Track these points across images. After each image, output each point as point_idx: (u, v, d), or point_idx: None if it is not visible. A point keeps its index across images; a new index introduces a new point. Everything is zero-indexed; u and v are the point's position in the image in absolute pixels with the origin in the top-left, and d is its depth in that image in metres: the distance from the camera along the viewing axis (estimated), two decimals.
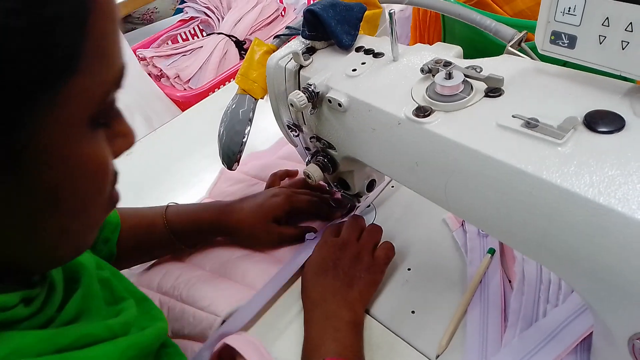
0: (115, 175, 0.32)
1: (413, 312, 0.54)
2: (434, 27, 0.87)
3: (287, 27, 0.56)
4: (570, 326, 0.46)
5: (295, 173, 0.71)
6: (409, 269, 0.58)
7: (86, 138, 0.27)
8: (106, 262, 0.47)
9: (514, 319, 0.49)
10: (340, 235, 0.58)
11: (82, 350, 0.31)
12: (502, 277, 0.54)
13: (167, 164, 0.83)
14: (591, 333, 0.44)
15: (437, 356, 0.49)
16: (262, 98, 0.55)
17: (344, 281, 0.53)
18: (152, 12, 2.06)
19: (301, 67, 0.49)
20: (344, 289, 0.52)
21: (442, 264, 0.58)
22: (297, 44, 0.52)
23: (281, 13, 1.43)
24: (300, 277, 0.57)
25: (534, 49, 0.40)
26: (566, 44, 0.35)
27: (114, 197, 0.34)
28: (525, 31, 0.45)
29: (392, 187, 0.69)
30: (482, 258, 0.56)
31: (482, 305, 0.52)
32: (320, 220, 0.65)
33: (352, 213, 0.65)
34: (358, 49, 0.48)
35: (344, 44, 0.48)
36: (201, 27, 1.42)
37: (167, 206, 0.61)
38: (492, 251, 0.56)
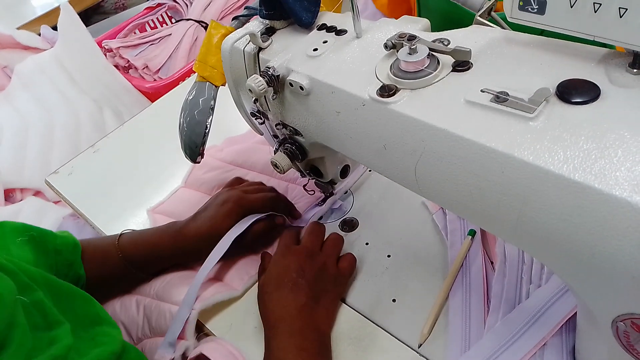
0: None
1: (394, 300, 0.52)
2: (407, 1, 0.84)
3: (246, 7, 0.52)
4: (554, 307, 0.44)
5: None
6: (388, 256, 0.56)
7: None
8: (53, 279, 0.43)
9: (496, 302, 0.47)
10: (302, 243, 0.53)
11: None
12: (484, 259, 0.52)
13: (137, 158, 0.80)
14: (576, 313, 0.43)
15: (420, 345, 0.48)
16: (223, 85, 0.52)
17: (309, 295, 0.48)
18: (124, 1, 1.99)
19: (260, 49, 0.46)
20: (309, 304, 0.48)
21: (422, 249, 0.56)
22: (256, 24, 0.48)
23: None
24: (257, 288, 0.51)
25: (504, 18, 0.37)
26: (535, 10, 0.33)
27: None
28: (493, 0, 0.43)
29: (370, 171, 0.66)
30: (463, 240, 0.54)
31: (464, 290, 0.50)
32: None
33: (329, 200, 0.63)
34: (320, 28, 0.45)
35: (304, 22, 0.45)
36: (169, 14, 1.37)
37: (120, 235, 0.57)
38: (472, 233, 0.54)
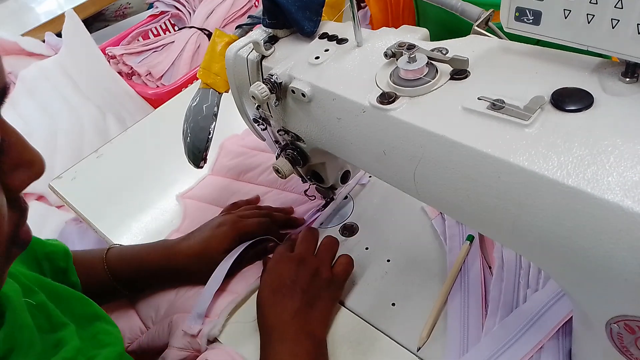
0: (19, 213, 0.28)
1: (393, 304, 0.53)
2: (407, 11, 0.85)
3: (250, 17, 0.53)
4: (551, 311, 0.45)
5: (257, 200, 0.67)
6: (388, 260, 0.57)
7: None
8: (48, 281, 0.43)
9: (494, 306, 0.48)
10: (295, 250, 0.54)
11: None
12: (482, 263, 0.53)
13: (140, 164, 0.81)
14: (572, 317, 0.44)
15: (419, 348, 0.48)
16: (226, 91, 0.53)
17: (302, 300, 0.48)
18: (125, 8, 2.01)
19: (263, 57, 0.47)
20: (303, 310, 0.48)
21: (421, 254, 0.57)
22: (259, 33, 0.49)
23: (254, 4, 1.39)
24: (256, 296, 0.52)
25: (501, 28, 0.38)
26: (531, 20, 0.34)
27: (22, 238, 0.30)
28: (491, 9, 0.44)
29: (370, 177, 0.67)
30: (461, 245, 0.55)
31: (463, 294, 0.51)
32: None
33: (329, 205, 0.63)
34: (321, 36, 0.46)
35: (306, 31, 0.46)
36: (172, 22, 1.38)
37: (109, 248, 0.57)
38: (470, 238, 0.55)
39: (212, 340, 0.53)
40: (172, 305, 0.57)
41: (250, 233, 0.57)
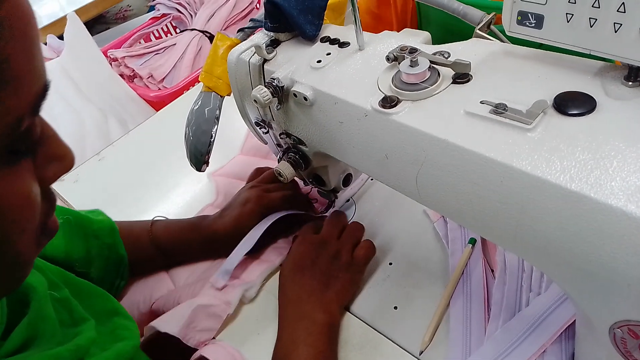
0: (50, 204, 0.30)
1: (395, 307, 0.53)
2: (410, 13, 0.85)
3: (251, 20, 0.53)
4: (554, 315, 0.45)
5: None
6: (390, 264, 0.57)
7: None
8: (72, 277, 0.45)
9: (496, 310, 0.48)
10: (320, 232, 0.56)
11: None
12: (485, 267, 0.53)
13: (142, 166, 0.81)
14: (575, 320, 0.43)
15: (421, 352, 0.48)
16: (228, 95, 0.53)
17: (320, 280, 0.51)
18: (125, 11, 2.02)
19: (265, 60, 0.47)
20: (320, 288, 0.50)
21: (424, 257, 0.57)
22: (261, 36, 0.49)
23: (256, 6, 1.40)
24: (278, 274, 0.55)
25: (503, 32, 0.38)
26: (533, 24, 0.34)
27: (50, 227, 0.31)
28: (493, 13, 0.44)
29: (372, 180, 0.67)
30: (463, 249, 0.55)
31: (465, 298, 0.50)
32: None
33: (331, 208, 0.63)
34: (323, 40, 0.46)
35: (308, 35, 0.46)
36: (174, 24, 1.39)
37: (153, 221, 0.60)
38: (473, 241, 0.54)
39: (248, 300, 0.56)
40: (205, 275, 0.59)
41: (276, 207, 0.59)
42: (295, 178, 0.56)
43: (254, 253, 0.58)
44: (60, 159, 0.30)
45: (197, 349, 0.51)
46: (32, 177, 0.27)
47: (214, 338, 0.53)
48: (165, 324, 0.50)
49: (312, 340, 0.47)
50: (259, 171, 0.67)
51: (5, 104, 0.24)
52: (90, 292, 0.46)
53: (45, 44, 1.28)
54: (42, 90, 0.26)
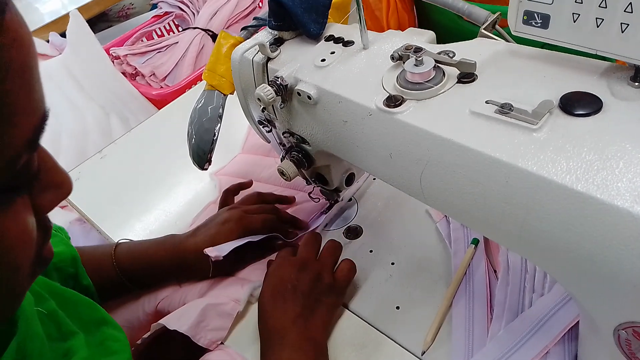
0: (45, 232, 0.29)
1: (398, 307, 0.53)
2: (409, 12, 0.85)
3: (255, 18, 0.53)
4: (557, 316, 0.45)
5: (249, 184, 0.67)
6: (392, 264, 0.57)
7: None
8: (57, 286, 0.44)
9: (499, 310, 0.48)
10: (297, 254, 0.53)
11: None
12: (487, 267, 0.53)
13: (144, 164, 0.81)
14: (578, 321, 0.43)
15: (423, 352, 0.48)
16: (231, 93, 0.53)
17: (303, 306, 0.48)
18: (128, 9, 2.02)
19: (269, 59, 0.47)
20: (304, 315, 0.47)
21: (426, 257, 0.57)
22: (265, 35, 0.49)
23: (258, 4, 1.40)
24: (257, 302, 0.51)
25: (509, 32, 0.38)
26: (539, 24, 0.33)
27: (45, 256, 0.30)
28: (498, 12, 0.43)
29: (374, 179, 0.67)
30: (466, 249, 0.55)
31: (468, 298, 0.50)
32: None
33: (333, 208, 0.63)
34: (327, 38, 0.46)
35: (312, 33, 0.46)
36: (176, 22, 1.38)
37: (117, 244, 0.57)
38: (475, 242, 0.54)
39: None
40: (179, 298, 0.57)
41: (256, 230, 0.57)
42: (296, 178, 0.55)
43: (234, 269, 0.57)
44: (57, 187, 0.28)
45: (203, 350, 0.50)
46: (28, 211, 0.26)
47: (223, 342, 0.52)
48: (175, 322, 0.49)
49: None
50: (228, 191, 0.65)
51: (1, 141, 0.23)
52: (76, 302, 0.44)
53: (48, 41, 1.28)
54: (41, 122, 0.25)
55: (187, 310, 0.51)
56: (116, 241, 0.58)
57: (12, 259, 0.26)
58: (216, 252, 0.52)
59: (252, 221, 0.57)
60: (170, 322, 0.49)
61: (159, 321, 0.50)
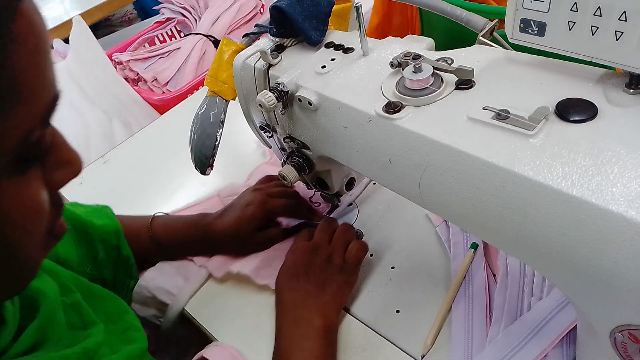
0: (57, 208, 0.31)
1: (398, 311, 0.53)
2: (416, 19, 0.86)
3: (257, 25, 0.54)
4: (555, 319, 0.45)
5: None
6: (392, 267, 0.57)
7: (7, 183, 0.26)
8: (84, 281, 0.46)
9: (498, 314, 0.48)
10: (313, 239, 0.57)
11: None
12: (486, 271, 0.53)
13: (146, 170, 0.81)
14: (576, 325, 0.44)
15: (423, 356, 0.48)
16: (233, 99, 0.54)
17: (315, 284, 0.52)
18: (131, 14, 2.04)
19: (270, 65, 0.48)
20: (315, 292, 0.51)
21: (426, 261, 0.57)
22: (266, 42, 0.50)
23: (260, 10, 1.41)
24: (275, 282, 0.55)
25: (506, 37, 0.39)
26: (536, 32, 0.34)
27: (57, 231, 0.32)
28: (496, 20, 0.44)
29: (374, 184, 0.68)
30: (465, 253, 0.55)
31: (467, 302, 0.51)
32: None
33: (334, 212, 0.64)
34: (328, 45, 0.47)
35: (313, 40, 0.47)
36: (178, 28, 1.40)
37: (153, 217, 0.60)
38: (475, 246, 0.55)
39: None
40: None
41: (277, 213, 0.61)
42: (297, 183, 0.56)
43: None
44: (68, 165, 0.30)
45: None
46: (41, 184, 0.28)
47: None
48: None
49: (309, 345, 0.47)
50: (269, 178, 0.67)
51: (18, 116, 0.25)
52: (102, 296, 0.46)
53: (52, 47, 1.29)
54: (53, 101, 0.27)
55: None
56: (152, 214, 0.62)
57: (27, 225, 0.28)
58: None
59: (275, 205, 0.60)
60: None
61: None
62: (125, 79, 1.22)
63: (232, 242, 0.59)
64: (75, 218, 0.54)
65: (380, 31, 0.83)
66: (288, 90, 0.44)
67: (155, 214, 0.62)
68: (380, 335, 0.51)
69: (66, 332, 0.37)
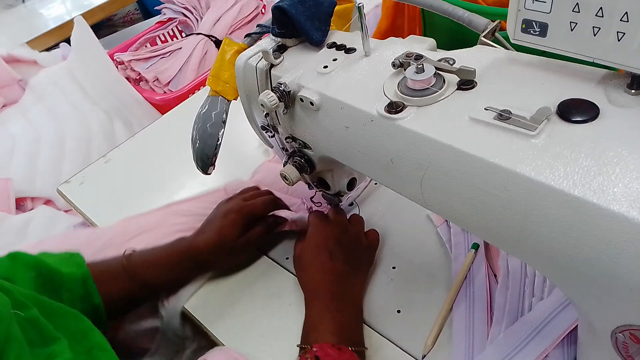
0: None
1: (399, 311, 0.53)
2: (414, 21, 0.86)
3: (258, 26, 0.54)
4: (556, 320, 0.45)
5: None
6: (393, 268, 0.57)
7: None
8: (44, 299, 0.43)
9: (499, 314, 0.48)
10: (334, 219, 0.57)
11: None
12: (487, 271, 0.53)
13: (147, 169, 0.82)
14: (577, 325, 0.44)
15: (424, 356, 0.48)
16: (235, 99, 0.54)
17: (346, 262, 0.53)
18: (133, 14, 2.04)
19: (272, 65, 0.48)
20: (347, 271, 0.52)
21: (427, 261, 0.57)
22: (268, 42, 0.50)
23: (261, 11, 1.41)
24: (294, 260, 0.57)
25: (507, 38, 0.39)
26: (537, 32, 0.34)
27: None
28: (498, 20, 0.44)
29: (375, 184, 0.68)
30: (466, 253, 0.55)
31: (468, 302, 0.51)
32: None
33: None
34: (330, 45, 0.47)
35: (315, 41, 0.47)
36: (180, 28, 1.40)
37: (126, 255, 0.56)
38: (476, 246, 0.55)
39: None
40: None
41: (257, 214, 0.60)
42: (298, 183, 0.56)
43: None
44: None
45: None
46: None
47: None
48: None
49: (341, 318, 0.49)
50: (244, 191, 0.65)
51: None
52: (63, 313, 0.44)
53: (53, 47, 1.30)
54: None
55: None
56: (123, 251, 0.57)
57: None
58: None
59: (253, 206, 0.59)
60: None
61: None
62: (127, 78, 1.22)
63: (218, 255, 0.56)
64: (43, 266, 0.50)
65: (390, 36, 0.84)
66: (290, 90, 0.44)
67: (126, 252, 0.57)
68: (381, 335, 0.51)
69: (25, 349, 0.34)
